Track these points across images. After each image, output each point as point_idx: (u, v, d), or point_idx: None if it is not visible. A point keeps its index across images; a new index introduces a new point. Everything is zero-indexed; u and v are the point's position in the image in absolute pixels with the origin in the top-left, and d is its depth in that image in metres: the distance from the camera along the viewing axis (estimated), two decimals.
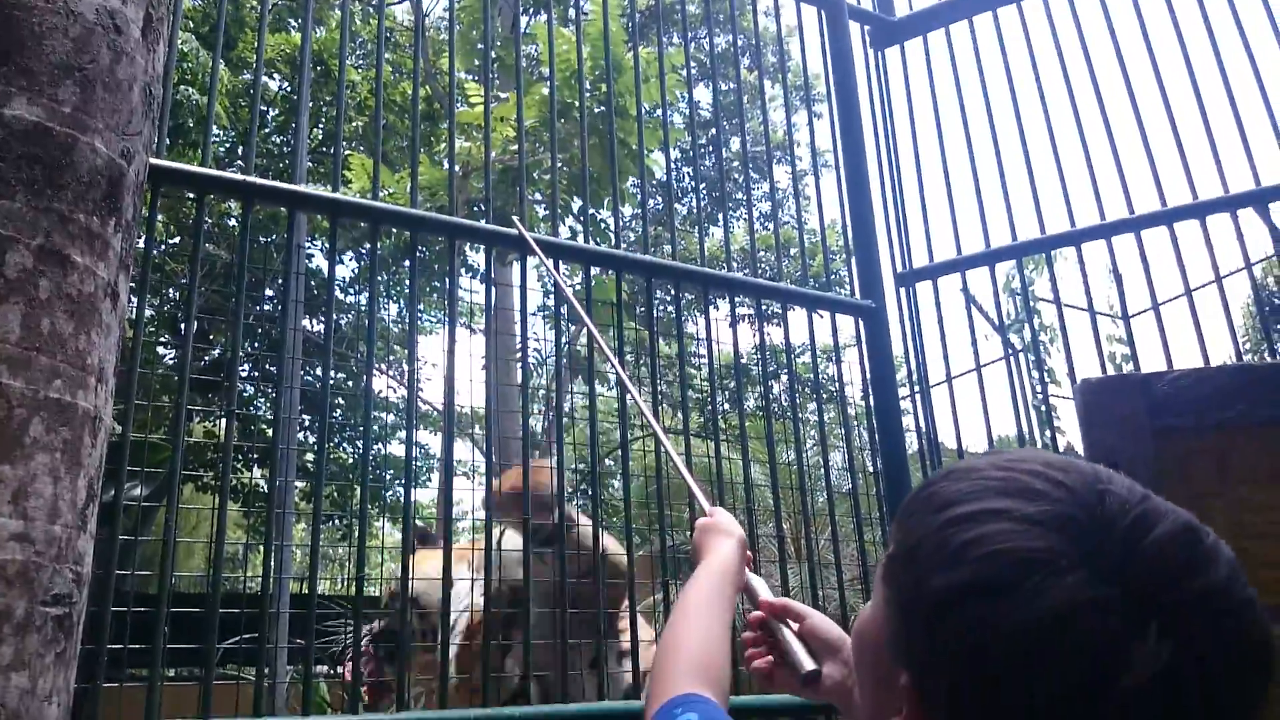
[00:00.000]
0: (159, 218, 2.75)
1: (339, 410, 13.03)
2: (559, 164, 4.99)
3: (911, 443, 5.40)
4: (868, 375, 3.73)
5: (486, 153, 3.29)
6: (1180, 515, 0.64)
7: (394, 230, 8.89)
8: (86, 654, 1.71)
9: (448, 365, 3.01)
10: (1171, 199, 3.45)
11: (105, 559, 2.21)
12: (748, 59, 10.04)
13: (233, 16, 12.24)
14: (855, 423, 4.06)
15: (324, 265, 12.70)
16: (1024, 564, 0.60)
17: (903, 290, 3.89)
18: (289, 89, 13.71)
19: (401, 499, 3.08)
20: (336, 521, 13.18)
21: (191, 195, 2.74)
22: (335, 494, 12.64)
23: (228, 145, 13.29)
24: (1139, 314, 3.82)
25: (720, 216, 9.00)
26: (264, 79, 12.99)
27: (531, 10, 13.46)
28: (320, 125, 13.77)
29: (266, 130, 13.61)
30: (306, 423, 11.10)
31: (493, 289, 3.30)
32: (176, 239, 11.74)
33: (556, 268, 3.23)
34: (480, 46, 9.88)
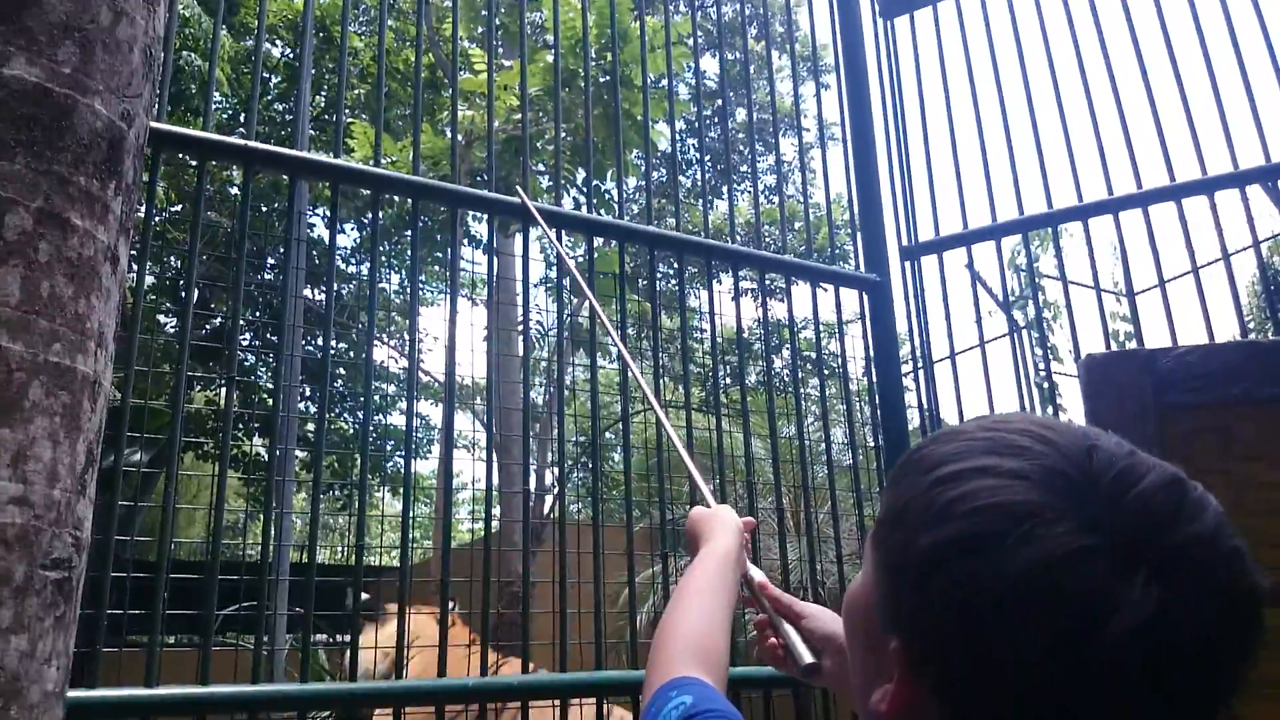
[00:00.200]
0: (160, 184, 2.73)
1: (340, 380, 13.06)
2: (563, 134, 4.95)
3: (913, 418, 5.41)
4: (870, 350, 3.72)
5: (490, 120, 3.26)
6: (1167, 468, 0.64)
7: (396, 199, 8.86)
8: (86, 619, 1.72)
9: (449, 335, 3.00)
10: (1180, 175, 3.42)
11: (105, 524, 2.22)
12: (755, 28, 9.93)
13: None
14: (857, 398, 4.06)
15: (325, 234, 12.63)
16: (1010, 517, 0.60)
17: (907, 264, 3.86)
18: (291, 55, 13.60)
19: (401, 470, 3.08)
20: (337, 491, 13.24)
21: (193, 160, 2.72)
22: (336, 464, 12.69)
23: (229, 112, 13.22)
24: (1144, 291, 3.80)
25: (725, 189, 8.95)
26: (266, 45, 12.88)
27: None
28: (322, 93, 13.68)
29: (268, 97, 13.52)
30: (307, 392, 11.12)
31: (495, 259, 3.29)
32: (178, 206, 11.70)
33: (559, 238, 3.21)
34: (484, 13, 9.78)
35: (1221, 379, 1.93)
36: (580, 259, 3.38)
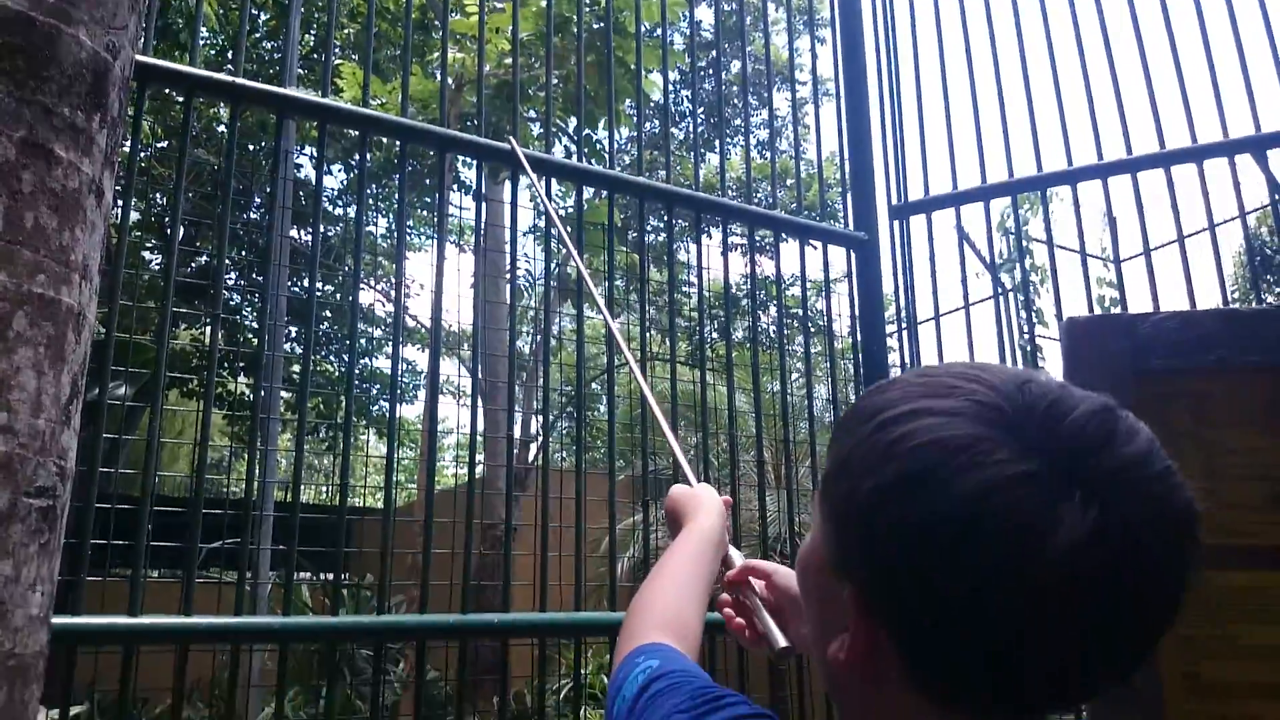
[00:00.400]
0: (146, 119, 2.70)
1: (325, 323, 13.00)
2: (554, 81, 4.89)
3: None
4: (856, 308, 3.74)
5: (480, 64, 3.23)
6: (1098, 396, 0.65)
7: (383, 143, 8.76)
8: (70, 548, 1.74)
9: (435, 280, 3.00)
10: (1171, 142, 3.43)
11: (90, 457, 2.23)
12: None
13: None
14: (841, 358, 4.08)
15: (312, 175, 12.51)
16: (947, 451, 0.61)
17: (896, 223, 3.87)
18: None
19: (386, 413, 3.09)
20: (323, 432, 13.25)
21: (179, 96, 2.69)
22: (321, 405, 12.68)
23: (217, 48, 12.98)
24: (1131, 258, 3.82)
25: (717, 143, 8.90)
26: None
27: None
28: (311, 31, 13.44)
29: (257, 34, 13.27)
30: (292, 334, 11.08)
31: (483, 205, 3.27)
32: (164, 143, 11.54)
33: (548, 186, 3.20)
34: None
35: (1199, 346, 1.96)
36: (570, 209, 3.37)
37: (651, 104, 8.28)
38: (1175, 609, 0.63)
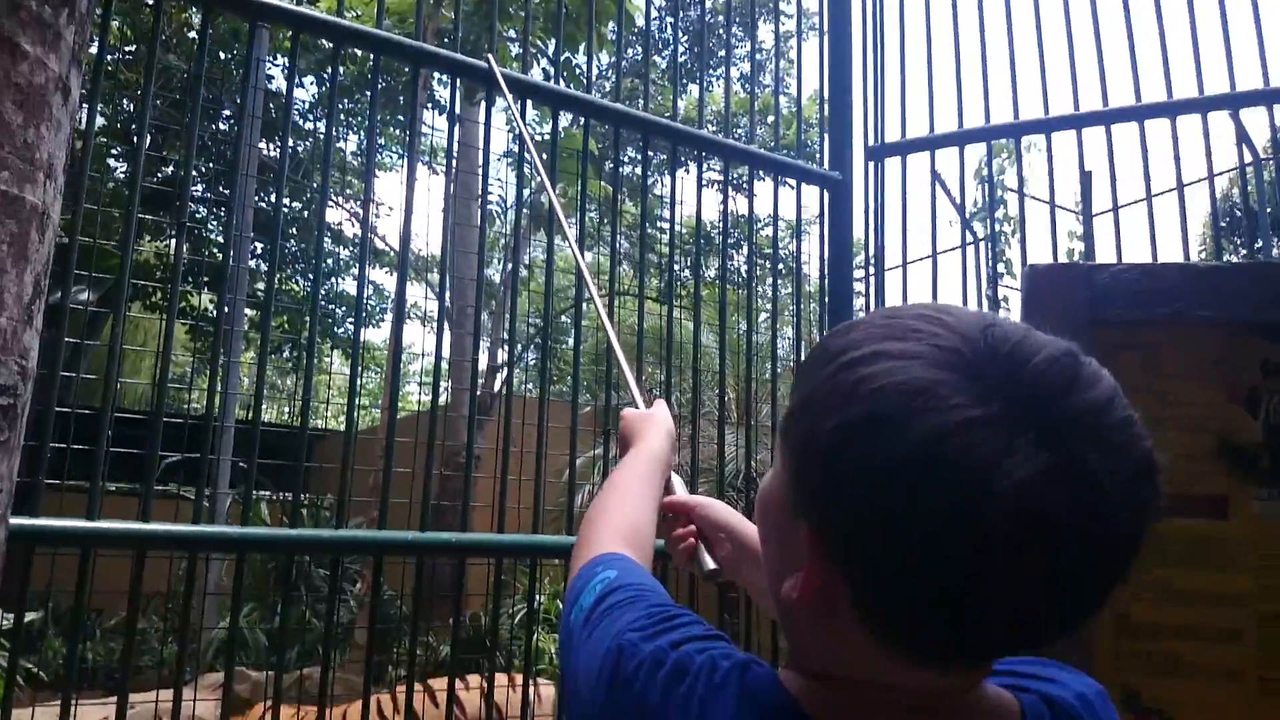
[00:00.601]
0: (114, 21, 2.62)
1: (292, 240, 12.80)
2: None
3: None
4: (826, 248, 3.76)
5: None
6: (1062, 342, 0.66)
7: (357, 56, 8.55)
8: (30, 451, 1.73)
9: (405, 199, 2.97)
10: (1147, 97, 3.45)
11: (51, 360, 2.21)
12: None
13: None
14: (809, 300, 4.10)
15: (283, 86, 12.22)
16: (906, 393, 0.61)
17: (871, 164, 3.87)
18: None
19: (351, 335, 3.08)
20: (286, 352, 13.15)
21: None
22: (286, 324, 12.55)
23: None
24: (1102, 214, 3.85)
25: (698, 75, 8.77)
26: None
27: None
28: None
29: None
30: (258, 250, 10.89)
31: (457, 125, 3.22)
32: (132, 46, 11.17)
33: (523, 109, 3.15)
34: None
35: (1155, 298, 2.00)
36: (545, 135, 3.33)
37: (635, 29, 8.14)
38: (1133, 556, 0.63)
